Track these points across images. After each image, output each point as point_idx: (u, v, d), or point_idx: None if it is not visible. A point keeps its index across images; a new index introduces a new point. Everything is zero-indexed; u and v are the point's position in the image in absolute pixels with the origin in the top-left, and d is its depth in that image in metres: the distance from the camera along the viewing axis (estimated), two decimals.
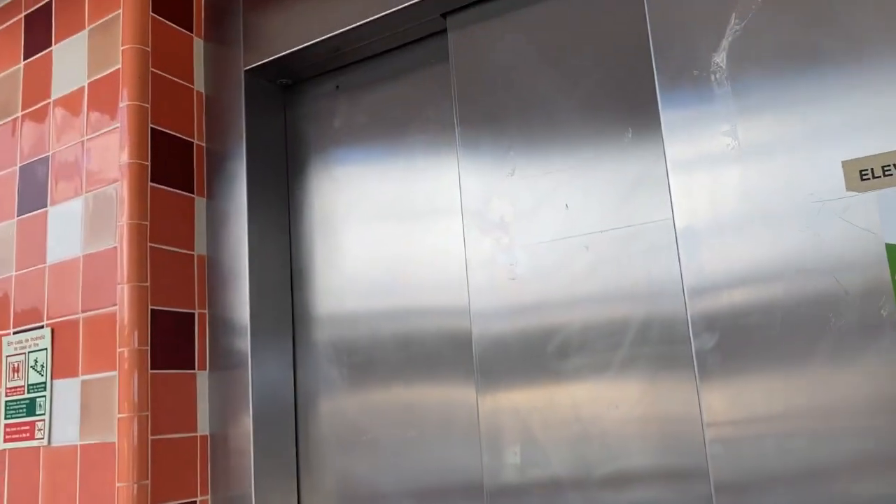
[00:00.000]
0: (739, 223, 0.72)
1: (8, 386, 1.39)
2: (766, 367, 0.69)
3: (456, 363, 1.22)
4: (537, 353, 1.10)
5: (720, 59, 0.74)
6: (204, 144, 1.43)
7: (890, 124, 0.66)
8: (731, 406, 0.70)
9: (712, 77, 0.74)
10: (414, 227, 1.30)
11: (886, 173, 0.65)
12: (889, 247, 0.64)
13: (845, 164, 0.67)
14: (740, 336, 0.70)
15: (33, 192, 1.44)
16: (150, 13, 1.37)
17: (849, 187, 0.67)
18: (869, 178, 0.66)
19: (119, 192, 1.29)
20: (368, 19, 1.27)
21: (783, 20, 0.72)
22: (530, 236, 1.12)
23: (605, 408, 1.04)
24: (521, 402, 1.10)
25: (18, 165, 1.48)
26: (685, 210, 0.74)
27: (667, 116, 0.76)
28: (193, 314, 1.35)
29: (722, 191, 0.73)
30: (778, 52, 0.72)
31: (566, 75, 1.13)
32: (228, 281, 1.36)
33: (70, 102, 1.42)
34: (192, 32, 1.45)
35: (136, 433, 1.21)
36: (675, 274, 1.00)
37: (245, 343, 1.32)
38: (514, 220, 1.14)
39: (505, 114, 1.17)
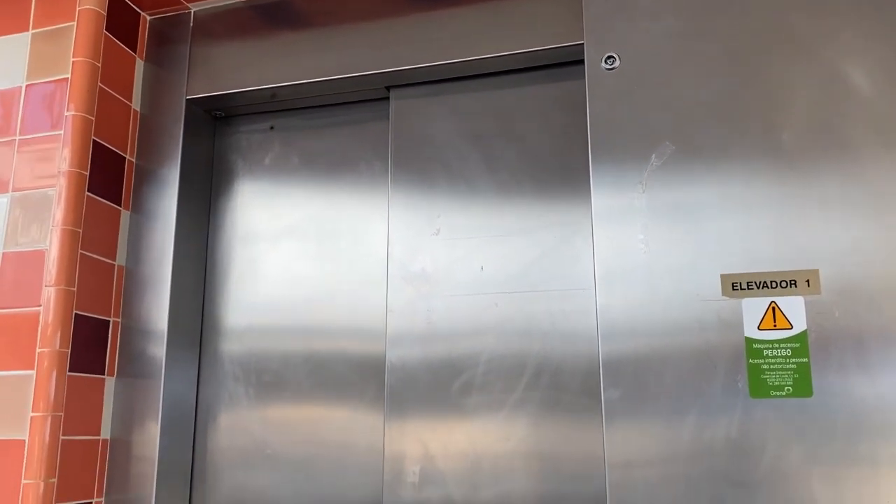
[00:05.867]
0: (644, 304, 0.97)
1: None
2: (657, 417, 0.94)
3: (364, 388, 1.39)
4: (444, 388, 1.29)
5: (642, 183, 1.00)
6: (134, 161, 1.50)
7: (754, 251, 0.94)
8: (627, 446, 0.94)
9: (634, 195, 1.00)
10: (335, 261, 1.45)
11: (749, 287, 0.93)
12: (746, 339, 0.92)
13: (723, 276, 0.94)
14: (639, 390, 0.94)
15: None
16: (104, 30, 1.43)
17: (723, 293, 0.94)
18: (737, 289, 0.93)
19: (56, 196, 1.33)
20: (316, 79, 1.43)
21: (687, 163, 1.00)
22: (448, 289, 1.32)
23: (498, 440, 1.26)
24: (424, 429, 1.29)
25: None
26: (605, 287, 0.98)
27: (597, 218, 1.00)
28: (109, 321, 1.41)
29: (634, 280, 0.98)
30: (680, 186, 0.99)
31: (489, 158, 1.36)
32: (147, 292, 1.43)
33: (2, 100, 1.43)
34: (135, 53, 1.52)
35: (48, 432, 1.25)
36: (565, 333, 1.25)
37: (160, 352, 1.40)
38: (435, 273, 1.34)
39: (435, 181, 1.37)
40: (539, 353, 1.27)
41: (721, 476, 0.90)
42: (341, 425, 1.39)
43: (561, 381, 1.24)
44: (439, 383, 1.30)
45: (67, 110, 1.37)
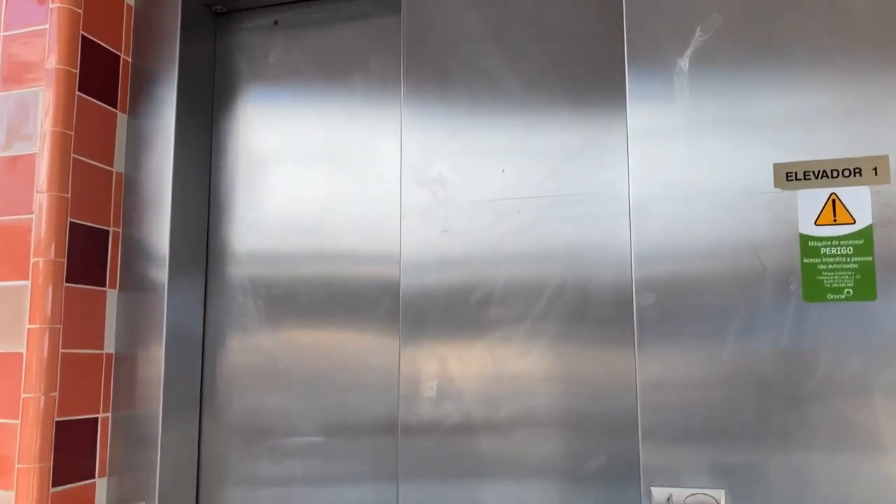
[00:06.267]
0: (684, 203, 0.86)
1: None
2: (696, 325, 0.84)
3: (378, 301, 1.30)
4: (461, 301, 1.20)
5: (684, 63, 0.87)
6: (130, 60, 1.39)
7: (813, 138, 0.82)
8: (662, 358, 0.84)
9: (675, 78, 0.87)
10: (346, 174, 1.35)
11: (806, 177, 0.81)
12: (801, 236, 0.81)
13: (776, 165, 0.83)
14: (676, 296, 0.84)
15: None
16: None
17: (776, 185, 0.83)
18: (793, 180, 0.82)
19: (44, 96, 1.24)
20: None
21: (738, 39, 0.87)
22: (466, 194, 1.22)
23: (519, 354, 1.17)
24: (441, 344, 1.21)
25: None
26: (640, 187, 0.87)
27: (632, 107, 0.88)
28: (108, 231, 1.33)
29: (673, 174, 0.87)
30: (730, 65, 0.86)
31: (512, 52, 1.23)
32: (148, 203, 1.35)
33: None
34: None
35: (46, 345, 1.19)
36: (593, 241, 1.15)
37: (162, 267, 1.32)
38: (452, 177, 1.23)
39: (452, 78, 1.25)
40: (565, 262, 1.16)
41: (768, 390, 0.80)
42: (355, 340, 1.32)
43: (589, 293, 1.14)
44: (457, 295, 1.21)
45: (52, 2, 1.26)
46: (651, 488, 0.84)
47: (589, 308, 1.14)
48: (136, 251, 1.34)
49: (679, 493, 0.82)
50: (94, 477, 1.27)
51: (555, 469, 1.13)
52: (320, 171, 1.37)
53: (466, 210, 1.21)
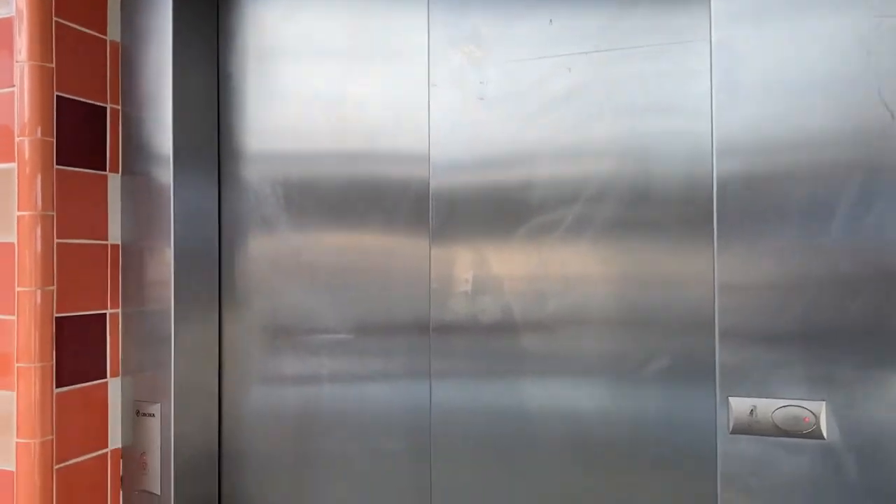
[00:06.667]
0: (783, 42, 0.65)
1: None
2: (795, 205, 0.65)
3: (406, 185, 1.13)
4: (501, 180, 1.03)
5: None
6: None
7: None
8: (748, 247, 0.66)
9: None
10: (368, 61, 1.16)
11: None
12: None
13: None
14: (768, 170, 0.65)
15: None
16: None
17: None
18: None
19: None
20: None
21: None
22: (506, 52, 1.02)
23: (567, 241, 1.00)
24: (476, 231, 1.05)
25: None
26: (725, 25, 0.67)
27: None
28: (105, 108, 1.18)
29: (766, 7, 0.66)
30: None
31: None
32: (147, 75, 1.19)
33: None
34: None
35: (39, 234, 1.07)
36: (662, 104, 0.95)
37: (166, 143, 1.17)
38: (490, 32, 1.03)
39: None
40: (625, 131, 0.97)
41: (890, 282, 0.61)
42: (383, 228, 1.16)
43: (654, 168, 0.95)
44: (495, 173, 1.03)
45: None
46: (729, 398, 0.68)
47: (654, 186, 0.95)
48: (137, 130, 1.19)
49: (765, 404, 0.65)
50: (105, 377, 1.18)
51: (608, 370, 0.98)
52: (338, 59, 1.18)
53: (507, 71, 1.02)
